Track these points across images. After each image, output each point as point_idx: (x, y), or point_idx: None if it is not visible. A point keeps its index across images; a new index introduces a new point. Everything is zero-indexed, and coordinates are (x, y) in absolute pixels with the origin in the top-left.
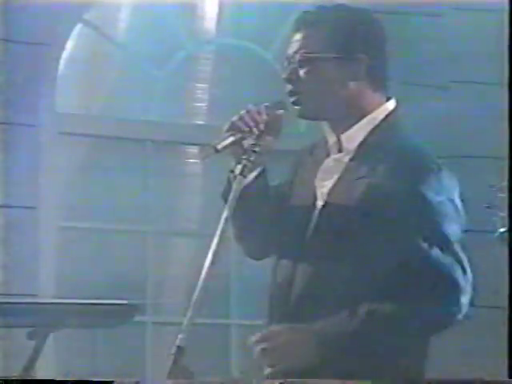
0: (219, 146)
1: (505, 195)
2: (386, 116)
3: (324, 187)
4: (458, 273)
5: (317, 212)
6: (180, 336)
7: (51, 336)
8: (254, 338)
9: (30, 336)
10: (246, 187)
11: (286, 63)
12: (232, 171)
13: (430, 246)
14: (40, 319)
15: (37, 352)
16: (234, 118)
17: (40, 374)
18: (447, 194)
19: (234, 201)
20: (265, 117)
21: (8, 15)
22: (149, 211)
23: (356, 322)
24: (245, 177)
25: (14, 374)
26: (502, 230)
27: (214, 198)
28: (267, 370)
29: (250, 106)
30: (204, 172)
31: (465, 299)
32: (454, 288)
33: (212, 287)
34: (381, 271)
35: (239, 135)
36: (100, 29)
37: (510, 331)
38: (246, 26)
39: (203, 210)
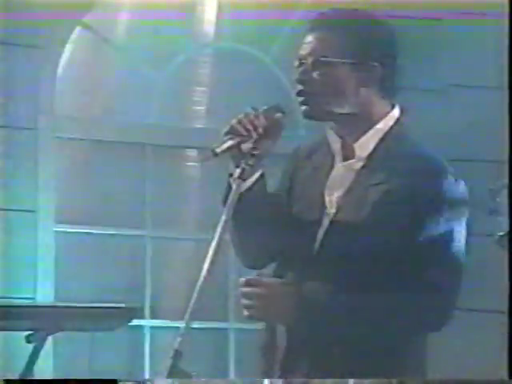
0: (218, 150)
1: (504, 199)
2: (394, 123)
3: (334, 194)
4: (447, 280)
5: (327, 220)
6: (178, 339)
7: (49, 339)
8: (240, 280)
9: (29, 339)
10: (245, 191)
11: (297, 63)
12: (231, 175)
13: (434, 249)
14: (38, 323)
15: (35, 355)
16: (233, 122)
17: (38, 376)
18: (458, 200)
19: (232, 204)
20: (263, 120)
21: (7, 18)
22: (147, 215)
23: (342, 299)
24: (244, 180)
25: (14, 375)
26: (501, 233)
27: (212, 201)
28: (245, 312)
29: (249, 110)
30: (203, 176)
31: (447, 305)
32: (439, 294)
33: (210, 291)
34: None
35: (238, 139)
36: (99, 32)
37: (510, 333)
38: (245, 30)
39: (202, 214)
